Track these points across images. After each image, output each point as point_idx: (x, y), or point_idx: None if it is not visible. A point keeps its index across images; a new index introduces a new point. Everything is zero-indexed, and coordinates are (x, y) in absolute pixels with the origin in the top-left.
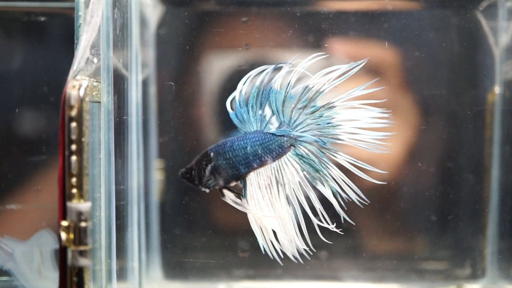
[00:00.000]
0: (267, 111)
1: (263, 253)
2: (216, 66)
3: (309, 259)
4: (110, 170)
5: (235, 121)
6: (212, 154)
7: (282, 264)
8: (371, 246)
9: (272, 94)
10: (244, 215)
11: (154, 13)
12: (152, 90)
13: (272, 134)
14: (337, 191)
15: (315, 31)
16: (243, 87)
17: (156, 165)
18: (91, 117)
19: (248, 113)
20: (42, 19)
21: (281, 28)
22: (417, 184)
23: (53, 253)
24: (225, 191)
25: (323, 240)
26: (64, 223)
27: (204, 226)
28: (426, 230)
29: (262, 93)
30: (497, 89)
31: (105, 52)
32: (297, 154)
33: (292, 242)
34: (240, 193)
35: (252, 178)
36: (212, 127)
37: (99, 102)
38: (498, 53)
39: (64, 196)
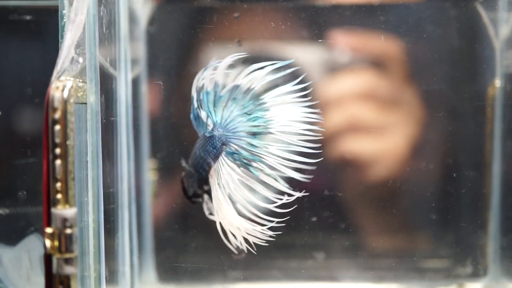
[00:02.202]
0: (203, 114)
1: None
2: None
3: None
4: (98, 174)
5: (195, 124)
6: (183, 163)
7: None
8: (370, 245)
9: (204, 95)
10: None
11: (144, 9)
12: (143, 88)
13: (208, 135)
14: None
15: (311, 24)
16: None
17: (148, 165)
18: (77, 119)
19: (196, 118)
20: (28, 17)
21: (275, 22)
22: (418, 181)
23: (42, 259)
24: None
25: (320, 240)
26: (49, 230)
27: (198, 228)
28: (426, 228)
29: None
30: (497, 83)
31: (91, 51)
32: (229, 153)
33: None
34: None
35: (211, 181)
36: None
37: (85, 103)
38: (498, 45)
39: (49, 202)
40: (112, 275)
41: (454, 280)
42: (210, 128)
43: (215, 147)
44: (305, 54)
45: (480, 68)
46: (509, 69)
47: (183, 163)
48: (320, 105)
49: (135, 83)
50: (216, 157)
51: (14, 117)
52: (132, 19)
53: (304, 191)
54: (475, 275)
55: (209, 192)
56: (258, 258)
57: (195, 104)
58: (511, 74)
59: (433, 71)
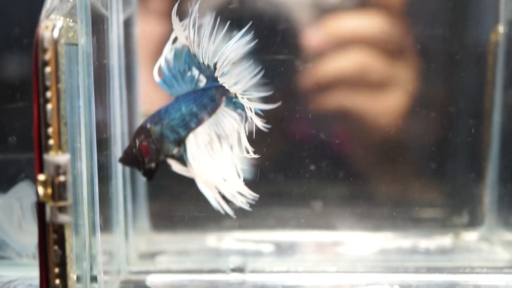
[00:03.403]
0: (194, 71)
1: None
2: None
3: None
4: (91, 119)
5: (165, 88)
6: (148, 125)
7: (235, 217)
8: (368, 194)
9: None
10: None
11: None
12: (136, 31)
13: (202, 89)
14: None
15: None
16: (167, 54)
17: (141, 110)
18: (67, 61)
19: (177, 76)
20: None
21: None
22: (417, 130)
23: (34, 206)
24: (172, 163)
25: (318, 188)
26: (41, 177)
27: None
28: (425, 177)
29: (187, 55)
30: (501, 29)
31: None
32: (231, 102)
33: (241, 191)
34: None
35: (191, 141)
36: None
37: (77, 45)
38: None
39: (41, 148)
40: (106, 223)
41: (451, 229)
42: (202, 83)
43: (213, 99)
44: None
45: (482, 14)
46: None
47: (148, 125)
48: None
49: (127, 25)
50: (213, 111)
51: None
52: None
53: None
54: (472, 224)
55: (179, 156)
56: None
57: (177, 65)
58: None
59: (435, 16)
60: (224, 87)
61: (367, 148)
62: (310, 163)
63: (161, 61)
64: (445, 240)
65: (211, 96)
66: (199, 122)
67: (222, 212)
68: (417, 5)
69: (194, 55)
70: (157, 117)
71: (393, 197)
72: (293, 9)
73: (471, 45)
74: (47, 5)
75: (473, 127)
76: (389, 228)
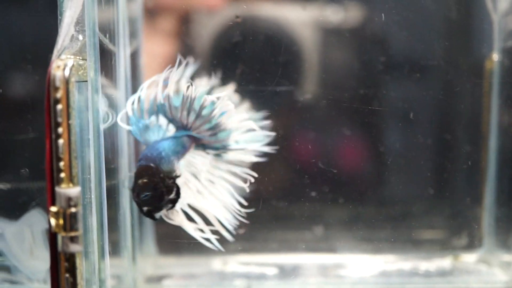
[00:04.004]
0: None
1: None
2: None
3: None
4: (100, 151)
5: (136, 135)
6: (153, 164)
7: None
8: (368, 218)
9: (159, 106)
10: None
11: None
12: (141, 62)
13: (174, 137)
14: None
15: None
16: (134, 102)
17: None
18: (78, 97)
19: (148, 125)
20: None
21: None
22: (416, 156)
23: (44, 233)
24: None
25: (318, 212)
26: (53, 208)
27: None
28: (424, 201)
29: (158, 105)
30: (495, 57)
31: (91, 28)
32: (200, 146)
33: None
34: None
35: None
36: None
37: (86, 81)
38: (496, 19)
39: (53, 181)
40: (114, 249)
41: (450, 251)
42: (170, 133)
43: (184, 146)
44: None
45: (478, 42)
46: (506, 43)
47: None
48: None
49: (133, 57)
50: (183, 156)
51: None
52: None
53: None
54: (471, 246)
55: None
56: (258, 231)
57: (145, 116)
58: (509, 48)
59: (432, 44)
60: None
61: (366, 174)
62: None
63: (128, 109)
64: (444, 262)
65: (182, 143)
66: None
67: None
68: (416, 34)
69: (163, 105)
70: (150, 158)
71: (394, 221)
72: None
73: (468, 73)
74: (58, 45)
75: (471, 152)
76: (390, 251)
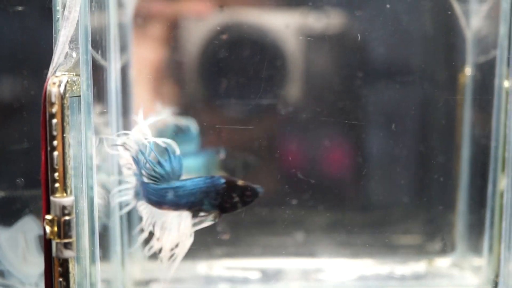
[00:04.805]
0: None
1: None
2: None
3: None
4: (92, 163)
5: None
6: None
7: None
8: (346, 223)
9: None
10: None
11: None
12: (132, 74)
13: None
14: None
15: None
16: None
17: None
18: (71, 111)
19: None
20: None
21: None
22: (393, 165)
23: (37, 239)
24: None
25: (299, 218)
26: (48, 217)
27: None
28: (400, 208)
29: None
30: (468, 71)
31: (84, 46)
32: None
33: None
34: None
35: None
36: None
37: (79, 96)
38: (469, 36)
39: (47, 191)
40: (105, 254)
41: (425, 256)
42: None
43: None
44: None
45: (452, 57)
46: (478, 59)
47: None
48: None
49: (124, 70)
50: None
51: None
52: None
53: None
54: (444, 251)
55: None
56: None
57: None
58: (481, 64)
59: (407, 60)
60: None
61: (345, 182)
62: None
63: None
64: (419, 266)
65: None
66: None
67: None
68: (392, 50)
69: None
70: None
71: (371, 227)
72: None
73: (442, 87)
74: (53, 63)
75: (445, 161)
76: (368, 255)
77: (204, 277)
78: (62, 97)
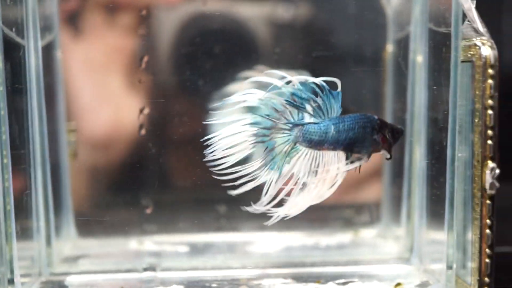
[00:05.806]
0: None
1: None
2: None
3: None
4: (7, 137)
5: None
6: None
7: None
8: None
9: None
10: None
11: None
12: (58, 53)
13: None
14: None
15: None
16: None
17: (66, 127)
18: None
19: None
20: None
21: None
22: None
23: None
24: None
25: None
26: None
27: (112, 185)
28: None
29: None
30: (389, 47)
31: None
32: None
33: None
34: None
35: None
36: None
37: None
38: (390, 12)
39: None
40: (25, 231)
41: (352, 227)
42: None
43: None
44: None
45: (374, 34)
46: (398, 35)
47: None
48: None
49: (49, 49)
50: None
51: None
52: None
53: None
54: (370, 223)
55: None
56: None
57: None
58: (400, 39)
59: (332, 37)
60: None
61: None
62: None
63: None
64: (345, 237)
65: None
66: None
67: None
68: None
69: None
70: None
71: None
72: None
73: (368, 62)
74: None
75: None
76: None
77: (134, 252)
78: None
